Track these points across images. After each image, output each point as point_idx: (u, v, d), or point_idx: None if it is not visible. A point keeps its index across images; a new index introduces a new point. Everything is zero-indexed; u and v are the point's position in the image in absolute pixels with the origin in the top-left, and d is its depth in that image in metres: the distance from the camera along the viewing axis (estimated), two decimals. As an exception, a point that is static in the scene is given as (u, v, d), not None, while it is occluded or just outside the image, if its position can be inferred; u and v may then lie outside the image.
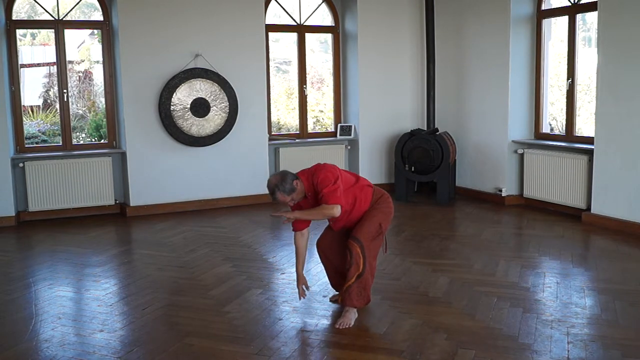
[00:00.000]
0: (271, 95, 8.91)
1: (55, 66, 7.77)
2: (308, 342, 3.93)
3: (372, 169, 9.11)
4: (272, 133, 8.89)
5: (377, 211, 4.29)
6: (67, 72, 7.79)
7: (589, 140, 7.17)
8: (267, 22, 8.53)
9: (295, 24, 8.91)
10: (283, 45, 9.68)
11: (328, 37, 9.34)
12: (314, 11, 9.04)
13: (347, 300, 4.20)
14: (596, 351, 3.73)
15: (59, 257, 5.98)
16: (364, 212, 4.30)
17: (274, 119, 9.17)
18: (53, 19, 7.63)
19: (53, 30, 7.67)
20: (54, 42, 7.68)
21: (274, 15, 8.91)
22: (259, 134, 8.40)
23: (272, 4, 8.71)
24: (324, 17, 9.31)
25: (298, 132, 9.13)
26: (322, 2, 9.09)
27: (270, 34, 8.74)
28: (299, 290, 4.45)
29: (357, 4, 8.80)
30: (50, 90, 8.49)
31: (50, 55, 8.04)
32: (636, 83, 6.41)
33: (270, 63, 8.89)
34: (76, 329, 4.19)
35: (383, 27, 9.05)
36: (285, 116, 9.60)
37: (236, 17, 8.11)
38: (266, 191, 8.73)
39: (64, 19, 7.67)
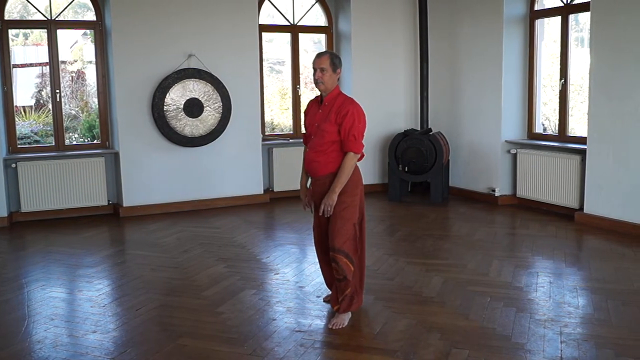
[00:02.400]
0: (265, 95, 8.90)
1: (47, 66, 7.74)
2: (302, 342, 3.92)
3: (365, 169, 9.09)
4: (266, 133, 8.88)
5: (348, 209, 4.15)
6: (60, 72, 7.77)
7: (582, 140, 7.20)
8: (260, 22, 8.52)
9: (288, 24, 8.91)
10: (277, 46, 9.68)
11: (322, 37, 9.35)
12: (307, 11, 9.04)
13: (342, 307, 4.20)
14: (589, 350, 3.74)
15: (51, 258, 5.96)
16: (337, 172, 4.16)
17: (267, 119, 9.16)
18: (45, 19, 7.60)
19: (45, 30, 7.64)
20: (47, 42, 7.64)
21: (267, 16, 8.91)
22: (252, 134, 8.39)
23: (266, 4, 8.70)
24: (318, 17, 9.31)
25: (292, 132, 9.13)
26: (316, 2, 9.10)
27: (263, 34, 8.73)
28: (303, 203, 4.48)
29: (350, 4, 8.81)
30: (42, 90, 8.46)
31: (43, 56, 8.02)
32: (628, 83, 6.44)
33: (264, 63, 8.89)
34: (69, 330, 4.18)
35: (376, 27, 9.07)
36: (279, 116, 9.60)
37: (230, 17, 8.10)
38: (259, 192, 8.77)
39: (57, 19, 7.64)
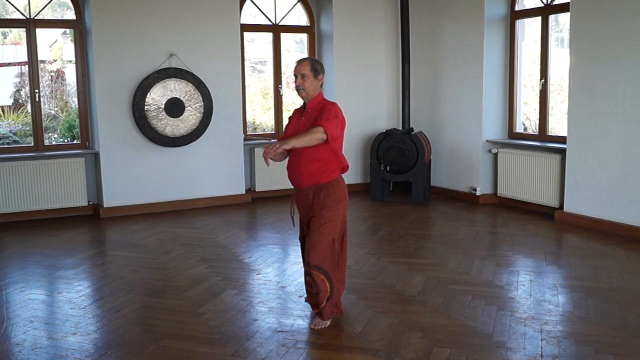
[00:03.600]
0: (246, 95, 8.88)
1: (26, 66, 7.65)
2: (284, 342, 3.92)
3: (347, 168, 9.11)
4: (248, 133, 8.86)
5: (327, 225, 4.08)
6: (39, 71, 7.68)
7: (562, 139, 7.26)
8: (242, 22, 8.50)
9: (270, 23, 8.89)
10: (258, 45, 9.66)
11: (303, 37, 9.34)
12: (289, 11, 9.03)
13: (321, 316, 4.17)
14: (569, 348, 3.78)
15: (31, 259, 5.90)
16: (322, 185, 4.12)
17: (249, 119, 9.14)
18: (24, 17, 7.52)
19: (24, 29, 7.56)
20: (26, 41, 7.56)
21: (249, 15, 8.89)
22: (234, 134, 8.36)
23: (247, 3, 8.68)
24: (300, 17, 9.30)
25: (273, 132, 9.12)
26: (298, 1, 9.09)
27: (245, 33, 8.71)
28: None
29: (332, 4, 8.81)
30: (21, 90, 8.37)
31: (22, 55, 7.92)
32: (608, 83, 6.50)
33: (246, 63, 8.86)
34: (49, 333, 4.14)
35: (358, 27, 9.08)
36: (261, 116, 9.57)
37: (211, 16, 8.07)
38: (241, 192, 8.74)
39: (36, 17, 7.57)
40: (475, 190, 8.27)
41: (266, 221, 7.49)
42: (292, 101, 9.36)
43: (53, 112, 8.44)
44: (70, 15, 7.85)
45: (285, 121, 9.07)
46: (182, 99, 7.86)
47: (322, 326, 4.13)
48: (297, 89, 4.15)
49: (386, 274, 5.28)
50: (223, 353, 3.77)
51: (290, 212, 4.39)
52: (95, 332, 4.14)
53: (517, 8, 7.96)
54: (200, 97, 7.96)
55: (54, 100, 8.55)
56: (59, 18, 8.14)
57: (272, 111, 9.16)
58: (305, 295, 4.68)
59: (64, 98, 8.60)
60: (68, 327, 4.21)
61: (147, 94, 7.67)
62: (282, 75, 9.05)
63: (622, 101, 6.37)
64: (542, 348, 3.78)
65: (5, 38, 8.75)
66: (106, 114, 7.60)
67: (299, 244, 4.52)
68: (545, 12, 7.55)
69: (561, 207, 7.20)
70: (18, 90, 8.44)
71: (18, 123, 8.20)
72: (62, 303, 4.72)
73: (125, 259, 5.89)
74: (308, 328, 4.16)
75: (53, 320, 4.38)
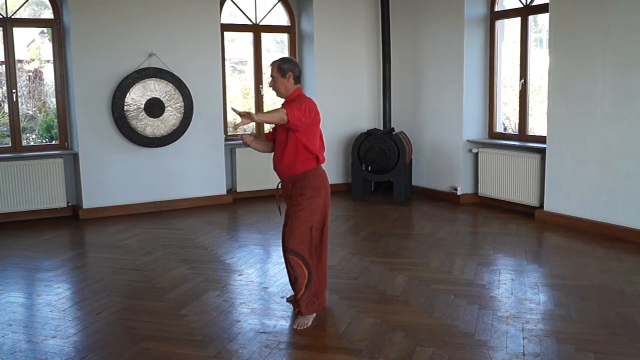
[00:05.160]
0: (227, 95, 8.84)
1: (3, 65, 7.56)
2: (266, 343, 3.90)
3: (329, 168, 9.06)
4: (229, 133, 8.82)
5: (304, 211, 4.14)
6: (17, 71, 7.59)
7: (541, 139, 7.32)
8: (222, 22, 8.47)
9: (251, 23, 8.86)
10: (239, 45, 9.63)
11: (284, 37, 9.32)
12: (269, 11, 9.01)
13: (302, 309, 4.19)
14: (550, 346, 3.80)
15: (9, 261, 5.82)
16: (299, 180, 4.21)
17: (230, 119, 9.10)
18: (1, 16, 7.42)
19: (1, 28, 7.45)
20: (2, 41, 7.46)
21: (229, 15, 8.85)
22: (214, 134, 8.33)
23: (228, 3, 8.64)
24: (280, 17, 9.28)
25: (254, 132, 9.09)
26: (278, 1, 9.07)
27: (225, 33, 8.67)
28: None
29: (312, 4, 8.80)
30: (-2, 90, 8.26)
31: (-2, 54, 7.83)
32: (586, 83, 6.57)
33: (226, 63, 8.82)
34: (28, 336, 4.08)
35: (339, 27, 9.08)
36: (242, 116, 9.53)
37: (191, 15, 8.02)
38: (222, 192, 8.69)
39: (13, 16, 7.47)
40: (456, 189, 8.31)
41: (247, 222, 7.46)
42: (273, 101, 9.33)
43: (31, 112, 8.35)
44: (48, 14, 7.77)
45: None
46: (162, 99, 7.80)
47: (305, 326, 4.13)
48: (273, 89, 4.31)
49: (368, 273, 5.28)
50: (205, 355, 3.74)
51: (277, 203, 4.53)
52: (76, 335, 4.09)
53: (496, 9, 8.02)
54: (181, 97, 7.91)
55: (31, 100, 8.45)
56: (37, 17, 8.05)
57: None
58: (287, 296, 4.69)
59: (42, 98, 8.51)
60: (48, 330, 4.16)
61: (126, 94, 7.60)
62: (263, 75, 9.03)
63: (601, 101, 6.44)
64: (524, 346, 3.80)
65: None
66: (85, 115, 7.53)
67: (281, 233, 4.52)
68: (524, 12, 7.61)
69: (541, 206, 7.25)
70: (-5, 90, 8.33)
71: (-5, 124, 8.11)
72: (42, 306, 4.67)
73: (105, 260, 5.84)
74: (290, 329, 4.15)
75: (32, 323, 4.33)
